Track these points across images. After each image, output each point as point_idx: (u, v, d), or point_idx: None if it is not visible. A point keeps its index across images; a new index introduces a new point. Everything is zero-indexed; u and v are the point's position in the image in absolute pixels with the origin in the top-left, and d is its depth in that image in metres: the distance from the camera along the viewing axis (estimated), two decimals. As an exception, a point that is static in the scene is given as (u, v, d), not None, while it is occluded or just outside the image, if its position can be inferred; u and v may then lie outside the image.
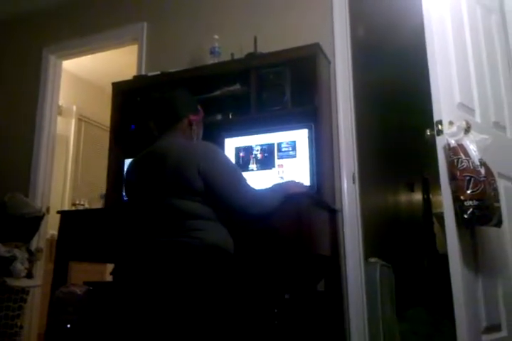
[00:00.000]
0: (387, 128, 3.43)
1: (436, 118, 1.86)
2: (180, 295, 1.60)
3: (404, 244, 3.68)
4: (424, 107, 2.18)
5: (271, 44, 2.77)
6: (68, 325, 2.18)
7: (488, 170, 1.80)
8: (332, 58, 2.76)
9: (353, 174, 2.63)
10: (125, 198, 1.99)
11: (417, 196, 4.38)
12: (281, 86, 2.64)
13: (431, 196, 4.24)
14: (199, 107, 2.05)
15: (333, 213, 2.49)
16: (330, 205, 2.44)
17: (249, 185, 1.86)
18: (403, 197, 4.15)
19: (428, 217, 4.18)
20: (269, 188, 2.01)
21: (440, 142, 1.84)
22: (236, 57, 2.86)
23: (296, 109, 2.58)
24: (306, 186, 2.25)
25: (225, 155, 1.88)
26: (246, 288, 1.85)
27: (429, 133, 1.89)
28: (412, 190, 4.35)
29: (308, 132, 2.47)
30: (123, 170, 2.82)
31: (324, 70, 2.68)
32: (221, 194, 1.76)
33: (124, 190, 1.95)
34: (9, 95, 3.93)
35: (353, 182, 2.62)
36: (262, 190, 1.98)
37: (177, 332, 1.59)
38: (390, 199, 3.73)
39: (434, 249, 3.89)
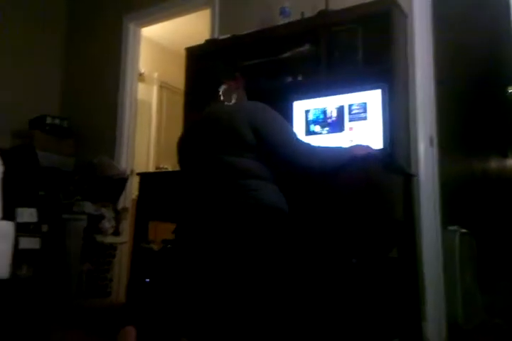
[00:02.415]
0: (473, 87, 3.17)
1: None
2: (237, 257, 1.65)
3: (496, 213, 3.45)
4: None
5: (344, 1, 2.64)
6: (147, 280, 2.35)
7: None
8: (409, 12, 2.57)
9: (431, 137, 2.49)
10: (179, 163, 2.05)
11: (513, 162, 4.04)
12: (353, 44, 2.53)
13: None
14: (237, 74, 2.06)
15: (408, 177, 2.39)
16: (403, 168, 2.35)
17: (301, 139, 1.85)
18: (494, 163, 3.86)
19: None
20: (330, 146, 1.99)
21: (523, 100, 1.68)
22: (306, 16, 2.77)
23: (369, 68, 2.47)
24: (374, 149, 2.16)
25: (275, 112, 1.86)
26: (307, 248, 1.87)
27: (510, 91, 1.72)
28: (505, 155, 4.02)
29: (382, 92, 2.35)
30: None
31: (400, 26, 2.51)
32: (274, 147, 1.77)
33: (178, 155, 2.03)
34: (93, 64, 4.15)
35: (431, 146, 2.48)
36: (319, 146, 1.95)
37: (234, 292, 1.65)
38: (476, 165, 3.49)
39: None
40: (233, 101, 1.95)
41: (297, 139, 1.83)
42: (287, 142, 1.79)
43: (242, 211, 1.69)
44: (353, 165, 1.94)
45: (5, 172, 3.11)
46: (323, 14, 2.66)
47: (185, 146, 1.98)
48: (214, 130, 1.81)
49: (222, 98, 1.95)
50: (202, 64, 2.16)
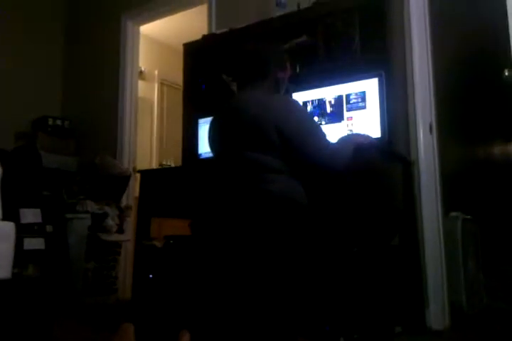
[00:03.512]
0: (471, 71, 3.13)
1: (515, 55, 1.66)
2: (252, 246, 1.64)
3: (500, 199, 3.42)
4: None
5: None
6: (150, 276, 2.35)
7: None
8: (405, -2, 2.55)
9: (430, 123, 2.47)
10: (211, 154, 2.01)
11: (517, 146, 4.01)
12: (350, 34, 2.51)
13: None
14: (287, 64, 1.97)
15: (407, 165, 2.37)
16: (402, 156, 2.33)
17: (327, 140, 1.80)
18: (497, 148, 3.83)
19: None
20: (340, 141, 1.94)
21: (519, 82, 1.65)
22: (303, 7, 2.75)
23: (366, 57, 2.45)
24: (373, 138, 2.15)
25: (304, 110, 1.83)
26: (315, 239, 1.85)
27: (507, 74, 1.70)
28: (508, 139, 3.99)
29: (379, 81, 2.34)
30: (197, 129, 2.90)
31: (396, 12, 2.51)
32: (299, 150, 1.73)
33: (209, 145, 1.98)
34: (93, 64, 4.16)
35: (430, 133, 2.46)
36: (336, 144, 1.91)
37: (250, 280, 1.65)
38: (479, 150, 3.46)
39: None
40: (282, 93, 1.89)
41: (321, 140, 1.78)
42: (311, 144, 1.74)
43: (252, 203, 1.68)
44: (354, 155, 1.92)
45: (7, 174, 3.12)
46: (319, 4, 2.64)
47: (211, 137, 1.94)
48: (239, 126, 1.76)
49: (266, 89, 1.84)
50: (246, 47, 1.97)
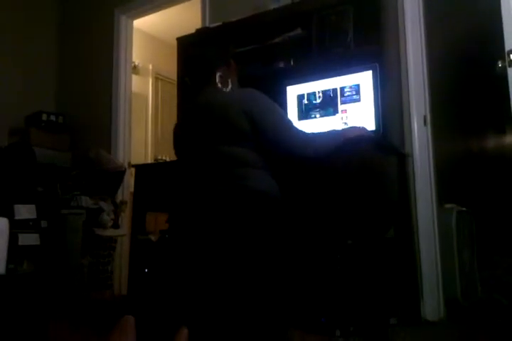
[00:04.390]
0: (465, 63, 3.12)
1: (508, 47, 1.66)
2: (227, 243, 1.64)
3: (495, 190, 3.42)
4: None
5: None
6: (146, 270, 2.35)
7: None
8: (400, -10, 2.54)
9: (425, 116, 2.47)
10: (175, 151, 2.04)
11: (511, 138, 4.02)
12: (344, 27, 2.51)
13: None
14: (231, 60, 2.02)
15: (402, 157, 2.38)
16: (397, 149, 2.33)
17: (297, 127, 1.84)
18: (491, 140, 3.83)
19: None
20: (323, 132, 1.96)
21: (512, 74, 1.65)
22: (297, 0, 2.74)
23: (360, 50, 2.44)
24: (369, 130, 2.15)
25: (270, 100, 1.84)
26: (301, 234, 1.86)
27: (500, 65, 1.69)
28: (503, 131, 3.99)
29: (373, 73, 2.33)
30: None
31: (391, 3, 2.51)
32: (271, 135, 1.75)
33: (173, 143, 2.00)
34: (86, 59, 4.13)
35: (425, 125, 2.46)
36: (313, 132, 1.94)
37: (231, 278, 1.65)
38: (473, 142, 3.46)
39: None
40: (229, 86, 1.92)
41: (292, 128, 1.81)
42: (283, 133, 1.77)
43: (231, 198, 1.69)
44: (347, 148, 1.93)
45: (1, 170, 3.12)
46: (313, -3, 2.63)
47: (181, 135, 1.96)
48: (208, 120, 1.79)
49: (219, 85, 1.90)
50: (193, 50, 2.10)
